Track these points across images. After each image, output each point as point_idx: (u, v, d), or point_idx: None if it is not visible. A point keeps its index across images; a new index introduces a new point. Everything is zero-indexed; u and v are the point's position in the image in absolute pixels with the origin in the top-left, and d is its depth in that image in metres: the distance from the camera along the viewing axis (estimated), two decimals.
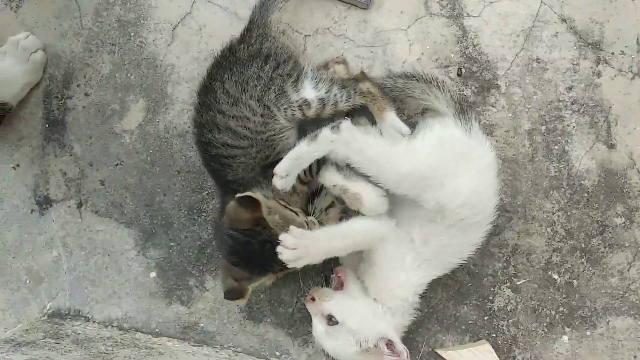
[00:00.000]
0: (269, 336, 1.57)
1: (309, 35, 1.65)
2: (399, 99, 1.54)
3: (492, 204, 1.39)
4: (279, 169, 1.27)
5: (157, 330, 1.58)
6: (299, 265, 1.18)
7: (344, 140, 1.29)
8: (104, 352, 1.31)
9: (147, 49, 1.66)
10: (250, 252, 1.20)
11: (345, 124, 1.30)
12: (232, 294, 1.21)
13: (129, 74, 1.66)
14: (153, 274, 1.60)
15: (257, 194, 1.20)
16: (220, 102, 1.32)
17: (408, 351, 1.26)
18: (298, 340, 1.56)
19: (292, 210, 1.29)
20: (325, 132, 1.28)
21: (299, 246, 1.16)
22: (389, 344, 1.26)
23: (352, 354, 1.26)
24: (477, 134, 1.41)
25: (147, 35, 1.66)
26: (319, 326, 1.29)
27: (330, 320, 1.28)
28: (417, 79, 1.47)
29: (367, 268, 1.35)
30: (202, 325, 1.58)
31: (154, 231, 1.62)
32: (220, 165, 1.33)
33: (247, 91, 1.32)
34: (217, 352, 1.52)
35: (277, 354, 1.55)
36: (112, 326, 1.58)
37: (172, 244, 1.61)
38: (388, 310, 1.32)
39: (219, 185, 1.42)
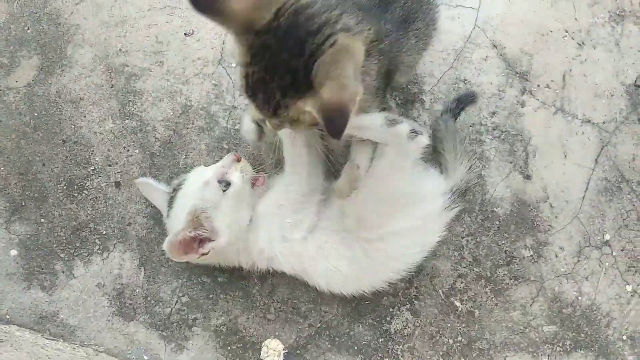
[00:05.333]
0: (139, 337, 1.46)
1: None
2: None
3: None
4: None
5: (7, 316, 1.43)
6: None
7: (410, 149, 1.27)
8: None
9: (51, 4, 1.58)
10: None
11: (423, 138, 1.26)
12: None
13: (26, 28, 1.56)
14: (14, 252, 1.47)
15: None
16: None
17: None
18: (172, 345, 1.46)
19: None
20: (403, 128, 1.23)
21: None
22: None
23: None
24: None
25: None
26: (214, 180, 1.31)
27: (224, 184, 1.31)
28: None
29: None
30: (62, 316, 1.45)
31: (23, 203, 1.49)
32: None
33: None
34: (73, 348, 1.39)
35: (145, 358, 1.45)
36: None
37: (42, 220, 1.49)
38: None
39: None
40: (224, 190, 1.30)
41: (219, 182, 1.31)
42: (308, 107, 0.91)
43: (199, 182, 1.32)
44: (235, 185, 1.31)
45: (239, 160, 1.34)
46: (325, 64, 0.89)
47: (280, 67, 0.91)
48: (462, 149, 1.54)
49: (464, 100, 1.62)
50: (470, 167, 1.53)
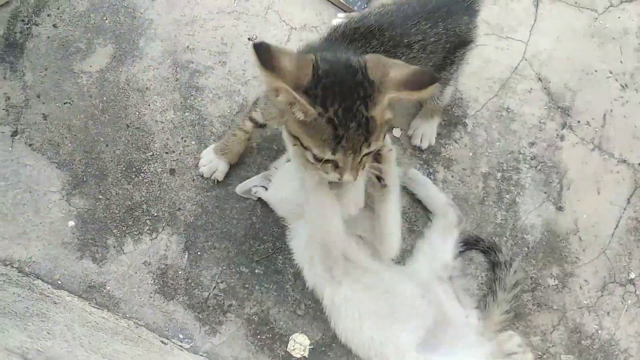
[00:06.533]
0: (177, 316, 1.55)
1: (295, 28, 1.73)
2: None
3: None
4: None
5: (59, 282, 1.54)
6: None
7: None
8: None
9: None
10: None
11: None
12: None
13: (105, 18, 1.69)
14: (72, 223, 1.58)
15: None
16: None
17: None
18: (206, 327, 1.55)
19: None
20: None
21: None
22: None
23: None
24: None
25: None
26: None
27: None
28: None
29: None
30: (108, 288, 1.55)
31: (85, 179, 1.61)
32: None
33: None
34: (116, 319, 1.49)
35: (180, 336, 1.54)
36: (12, 266, 1.53)
37: (100, 197, 1.60)
38: None
39: None
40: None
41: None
42: (386, 99, 1.04)
43: None
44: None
45: None
46: (376, 63, 1.06)
47: (350, 89, 1.04)
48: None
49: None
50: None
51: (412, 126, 1.68)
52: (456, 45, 1.37)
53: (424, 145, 1.67)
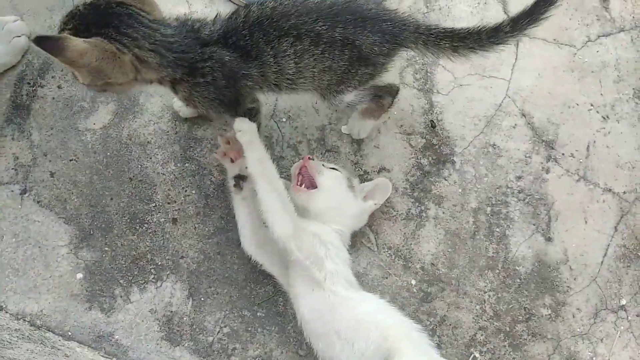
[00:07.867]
0: None
1: None
2: None
3: None
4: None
5: (69, 333, 1.60)
6: None
7: None
8: (7, 341, 1.33)
9: None
10: None
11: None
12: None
13: None
14: (80, 275, 1.64)
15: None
16: None
17: None
18: None
19: None
20: None
21: None
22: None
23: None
24: None
25: None
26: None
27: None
28: None
29: None
30: (117, 337, 1.61)
31: (91, 232, 1.67)
32: None
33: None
34: None
35: None
36: (25, 320, 1.59)
37: (106, 248, 1.66)
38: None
39: None
40: None
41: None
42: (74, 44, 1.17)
43: None
44: None
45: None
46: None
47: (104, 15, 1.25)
48: None
49: None
50: None
51: (350, 119, 1.75)
52: (357, 59, 1.36)
53: (354, 136, 1.76)
